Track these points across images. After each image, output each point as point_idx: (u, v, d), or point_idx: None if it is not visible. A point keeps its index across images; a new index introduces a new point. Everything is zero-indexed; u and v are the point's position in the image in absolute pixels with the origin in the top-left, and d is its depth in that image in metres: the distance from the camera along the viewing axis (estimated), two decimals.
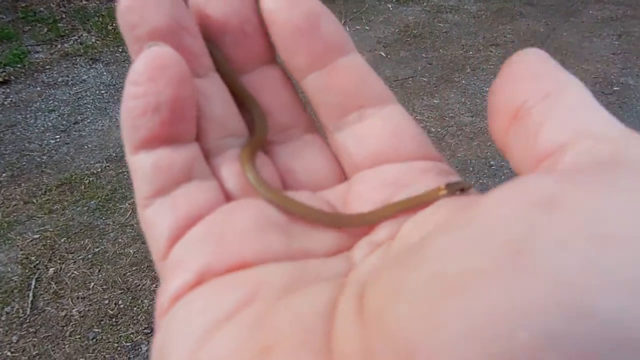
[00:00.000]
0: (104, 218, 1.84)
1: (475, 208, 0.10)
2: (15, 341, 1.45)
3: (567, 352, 0.08)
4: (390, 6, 3.36)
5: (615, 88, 2.63)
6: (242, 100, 0.19)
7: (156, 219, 0.16)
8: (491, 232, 0.09)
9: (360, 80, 0.18)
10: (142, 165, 0.16)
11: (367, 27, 3.17)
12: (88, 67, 2.76)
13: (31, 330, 1.48)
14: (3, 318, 1.51)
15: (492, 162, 2.14)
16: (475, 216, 0.10)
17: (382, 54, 2.78)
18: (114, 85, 2.62)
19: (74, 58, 2.82)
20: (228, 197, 0.17)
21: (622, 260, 0.08)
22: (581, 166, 0.11)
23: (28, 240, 1.74)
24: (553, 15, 3.35)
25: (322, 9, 0.18)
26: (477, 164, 2.16)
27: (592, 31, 3.16)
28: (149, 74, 0.15)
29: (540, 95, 0.13)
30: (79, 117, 2.37)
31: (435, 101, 2.54)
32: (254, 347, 0.12)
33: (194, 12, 0.18)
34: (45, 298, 1.57)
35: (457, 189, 0.15)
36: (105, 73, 2.71)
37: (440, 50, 2.98)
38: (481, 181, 2.00)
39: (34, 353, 1.42)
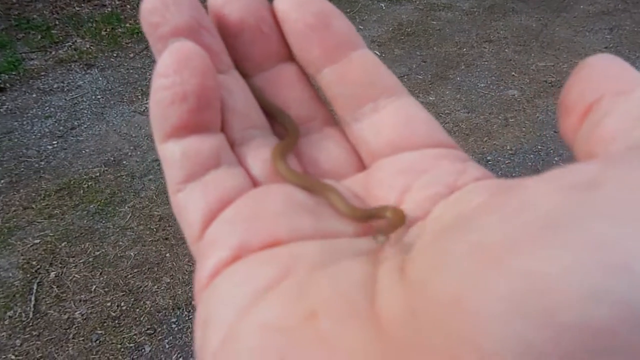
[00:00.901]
0: (103, 222, 1.85)
1: (516, 189, 0.11)
2: (19, 345, 1.45)
3: (610, 305, 0.08)
4: (383, 5, 3.38)
5: None
6: (273, 114, 0.20)
7: (188, 203, 0.17)
8: (530, 207, 0.10)
9: (373, 73, 0.19)
10: (172, 153, 0.17)
11: (361, 27, 3.18)
12: (83, 72, 2.76)
13: (34, 334, 1.48)
14: (6, 322, 1.51)
15: (488, 158, 2.15)
16: (515, 195, 0.11)
17: (377, 52, 2.79)
18: (110, 90, 2.63)
19: (69, 64, 2.82)
20: (254, 184, 0.18)
21: None
22: (628, 151, 0.12)
23: (29, 245, 1.74)
24: (545, 10, 3.38)
25: (331, 7, 0.19)
26: (473, 159, 2.17)
27: (584, 26, 3.18)
28: (175, 66, 0.17)
29: (613, 92, 0.14)
30: (75, 123, 2.38)
31: (430, 98, 2.55)
32: (300, 313, 0.12)
33: (212, 14, 0.20)
34: (48, 302, 1.57)
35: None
36: (100, 78, 2.72)
37: (434, 48, 2.99)
38: None
39: (37, 356, 1.42)
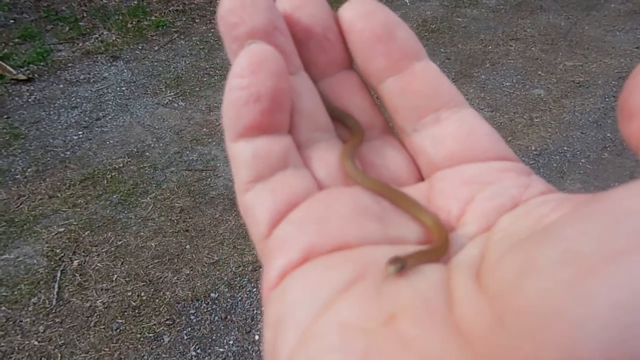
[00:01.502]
0: (126, 212, 1.87)
1: (604, 200, 0.11)
2: (42, 331, 1.48)
3: None
4: (407, 1, 3.35)
5: None
6: (338, 117, 0.21)
7: (256, 202, 0.17)
8: (623, 219, 0.10)
9: (435, 84, 0.19)
10: (243, 153, 0.18)
11: None
12: (109, 64, 2.80)
13: (57, 321, 1.51)
14: (30, 308, 1.54)
15: None
16: (607, 205, 0.11)
17: None
18: (134, 82, 2.66)
19: (95, 56, 2.86)
20: (319, 186, 0.19)
21: None
22: None
23: (53, 234, 1.78)
24: (574, 8, 3.30)
25: (396, 18, 0.19)
26: None
27: (614, 25, 3.10)
28: (252, 68, 0.17)
29: None
30: (100, 114, 2.41)
31: None
32: (379, 315, 0.13)
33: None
34: (70, 289, 1.60)
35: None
36: (125, 70, 2.75)
37: (459, 45, 2.96)
38: None
39: (60, 342, 1.46)
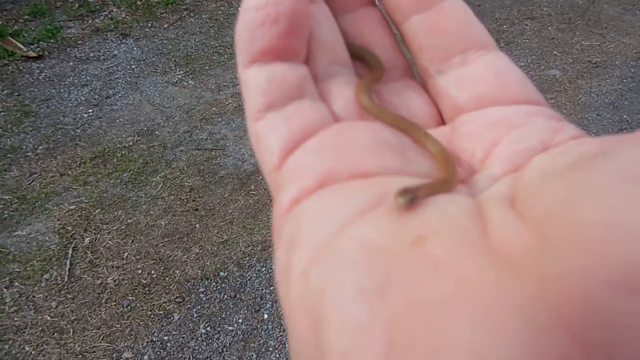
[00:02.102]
0: (136, 190, 1.88)
1: None
2: (54, 306, 1.51)
3: None
4: None
5: None
6: (357, 53, 0.20)
7: (268, 131, 0.16)
8: None
9: (464, 24, 0.18)
10: (256, 78, 0.16)
11: None
12: (118, 42, 2.78)
13: (69, 297, 1.53)
14: (43, 284, 1.56)
15: None
16: None
17: None
18: (144, 60, 2.65)
19: (105, 33, 2.85)
20: (336, 120, 0.18)
21: None
22: None
23: (64, 211, 1.79)
24: None
25: None
26: None
27: (634, 4, 3.02)
28: None
29: None
30: (110, 92, 2.41)
31: None
32: (406, 237, 0.12)
33: None
34: (82, 266, 1.62)
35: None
36: (135, 48, 2.74)
37: None
38: None
39: (72, 318, 1.48)
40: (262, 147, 0.17)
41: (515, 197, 0.13)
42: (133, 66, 2.60)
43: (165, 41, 2.80)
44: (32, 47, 2.67)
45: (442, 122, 0.19)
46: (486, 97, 0.18)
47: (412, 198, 0.13)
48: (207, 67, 2.59)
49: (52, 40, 2.74)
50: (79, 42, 2.77)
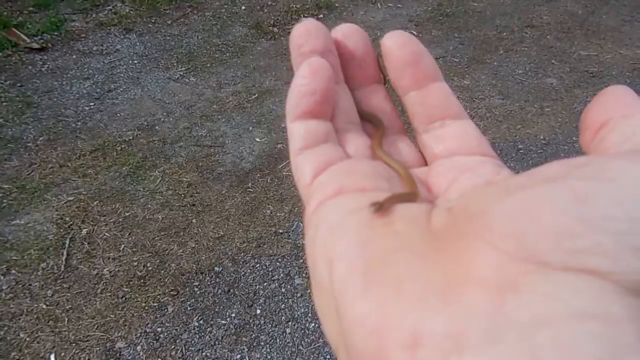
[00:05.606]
0: (134, 184, 1.90)
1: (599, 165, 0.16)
2: (50, 295, 1.53)
3: None
4: None
5: None
6: (367, 117, 0.28)
7: (304, 162, 0.25)
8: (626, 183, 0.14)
9: (445, 100, 0.27)
10: (298, 129, 0.25)
11: (400, 5, 3.12)
12: (122, 36, 2.81)
13: (65, 286, 1.55)
14: (39, 273, 1.59)
15: (520, 146, 2.12)
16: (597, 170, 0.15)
17: (414, 32, 2.74)
18: (146, 55, 2.67)
19: (108, 27, 2.87)
20: (348, 157, 0.26)
21: None
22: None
23: (63, 202, 1.81)
24: None
25: (422, 48, 0.27)
26: (505, 146, 2.13)
27: (632, 15, 3.05)
28: (311, 72, 0.25)
29: (619, 115, 0.19)
30: (112, 86, 2.43)
31: (465, 82, 2.51)
32: (383, 221, 0.20)
33: (334, 42, 0.28)
34: (79, 257, 1.64)
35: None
36: (138, 43, 2.76)
37: (473, 31, 2.92)
38: (508, 164, 1.98)
39: (67, 307, 1.50)
40: (299, 172, 0.25)
41: (454, 204, 0.20)
42: (135, 61, 2.62)
43: (168, 37, 2.83)
44: (35, 38, 2.69)
45: (425, 164, 0.28)
46: (454, 150, 0.26)
47: (378, 207, 0.20)
48: (208, 65, 2.61)
49: (55, 33, 2.76)
50: (83, 35, 2.79)
